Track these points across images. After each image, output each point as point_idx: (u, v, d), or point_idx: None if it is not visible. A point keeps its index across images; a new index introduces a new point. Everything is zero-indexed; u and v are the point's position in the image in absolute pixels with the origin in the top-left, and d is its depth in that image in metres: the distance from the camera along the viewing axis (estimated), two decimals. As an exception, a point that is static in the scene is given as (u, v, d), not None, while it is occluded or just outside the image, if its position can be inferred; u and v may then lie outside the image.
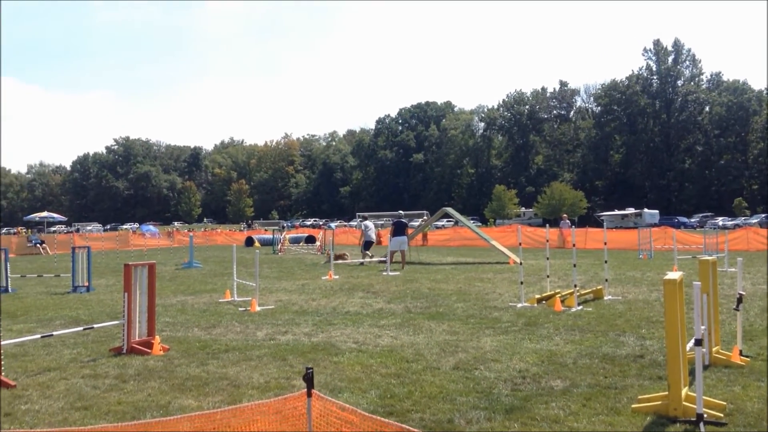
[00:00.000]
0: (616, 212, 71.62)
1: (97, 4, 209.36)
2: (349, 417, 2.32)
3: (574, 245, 11.78)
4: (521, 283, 11.67)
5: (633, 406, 5.34)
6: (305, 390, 2.47)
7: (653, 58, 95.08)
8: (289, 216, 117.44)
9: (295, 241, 36.28)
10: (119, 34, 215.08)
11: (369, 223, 24.44)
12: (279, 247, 31.43)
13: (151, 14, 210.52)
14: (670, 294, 5.28)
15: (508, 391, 5.91)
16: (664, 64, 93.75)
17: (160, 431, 2.56)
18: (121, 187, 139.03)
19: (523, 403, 5.54)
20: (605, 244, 12.93)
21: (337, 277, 16.90)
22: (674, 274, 5.48)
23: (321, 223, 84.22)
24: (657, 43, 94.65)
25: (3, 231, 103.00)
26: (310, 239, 36.82)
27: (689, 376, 5.81)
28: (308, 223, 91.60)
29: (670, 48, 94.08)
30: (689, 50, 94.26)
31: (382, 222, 77.83)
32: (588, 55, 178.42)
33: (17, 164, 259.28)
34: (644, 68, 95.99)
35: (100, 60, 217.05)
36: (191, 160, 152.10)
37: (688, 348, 5.73)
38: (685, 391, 5.25)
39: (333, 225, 64.52)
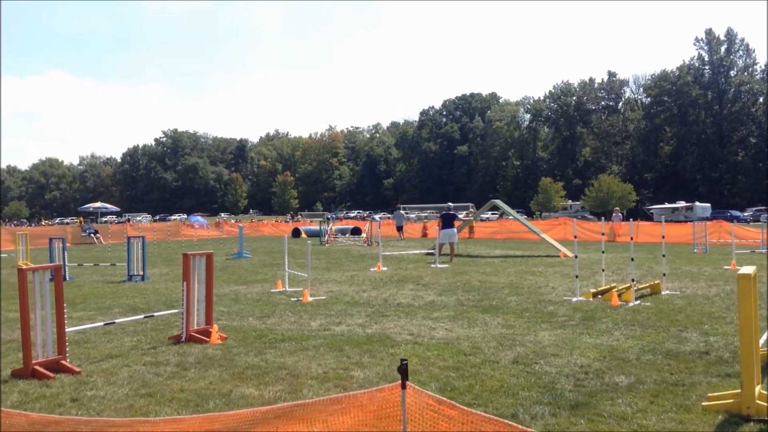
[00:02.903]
0: (667, 205, 69.91)
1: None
2: (447, 411, 2.26)
3: (632, 239, 11.50)
4: (576, 276, 11.47)
5: (703, 404, 5.18)
6: (399, 382, 2.42)
7: (705, 47, 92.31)
8: (333, 208, 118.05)
9: (341, 232, 36.43)
10: (168, 28, 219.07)
11: (401, 212, 34.03)
12: (326, 238, 31.59)
13: (199, 7, 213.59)
14: (745, 289, 5.08)
15: (572, 386, 5.79)
16: (716, 54, 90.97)
17: (252, 419, 2.55)
18: (169, 179, 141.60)
19: (588, 399, 5.42)
20: (663, 237, 12.58)
21: (385, 268, 16.89)
22: (748, 269, 5.28)
23: (365, 215, 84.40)
24: (709, 32, 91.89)
25: (56, 221, 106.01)
26: (356, 231, 36.91)
27: (762, 374, 5.61)
28: (352, 215, 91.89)
29: (722, 37, 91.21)
30: (743, 40, 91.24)
31: (426, 214, 77.80)
32: (637, 44, 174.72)
33: (70, 156, 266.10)
34: (696, 58, 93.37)
35: (149, 53, 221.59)
36: (237, 152, 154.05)
37: (761, 344, 5.53)
38: (758, 389, 5.07)
39: (377, 217, 64.64)
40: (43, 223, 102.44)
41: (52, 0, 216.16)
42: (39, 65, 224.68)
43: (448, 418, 2.25)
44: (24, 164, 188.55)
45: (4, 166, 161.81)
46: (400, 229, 35.35)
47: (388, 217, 71.81)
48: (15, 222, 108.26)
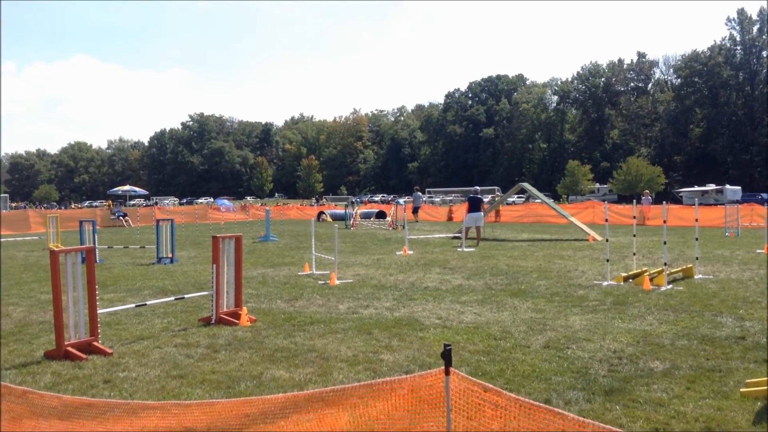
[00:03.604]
0: (696, 188, 68.78)
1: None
2: (493, 398, 2.20)
3: (664, 222, 11.30)
4: (607, 260, 11.30)
5: (741, 390, 5.06)
6: (443, 368, 2.36)
7: (737, 27, 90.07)
8: (357, 191, 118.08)
9: (366, 216, 36.42)
10: (194, 12, 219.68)
11: (419, 194, 34.85)
12: (351, 221, 31.61)
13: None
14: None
15: (605, 371, 5.70)
16: (748, 34, 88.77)
17: (291, 403, 2.51)
18: (195, 162, 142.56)
19: (623, 384, 5.33)
20: (696, 221, 12.35)
21: (411, 252, 16.83)
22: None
23: (389, 198, 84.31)
24: (741, 12, 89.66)
25: (86, 204, 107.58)
26: (381, 214, 36.88)
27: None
28: (376, 198, 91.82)
29: (755, 17, 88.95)
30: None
31: (451, 198, 77.43)
32: (668, 25, 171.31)
33: (98, 140, 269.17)
34: (727, 38, 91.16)
35: (175, 38, 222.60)
36: (263, 136, 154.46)
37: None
38: (799, 376, 4.94)
39: (401, 201, 64.53)
40: (72, 206, 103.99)
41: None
42: (66, 50, 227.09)
43: (495, 405, 2.19)
44: (53, 148, 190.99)
45: (33, 150, 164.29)
46: (416, 211, 35.22)
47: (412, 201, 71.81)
48: (45, 205, 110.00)
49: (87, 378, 5.78)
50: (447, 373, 2.30)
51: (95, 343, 6.65)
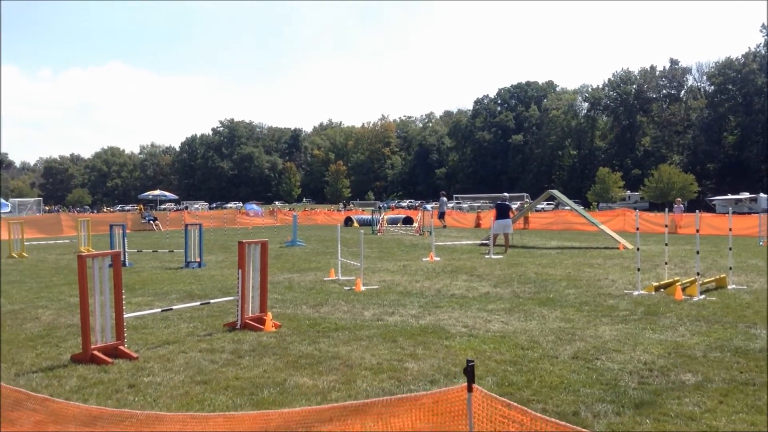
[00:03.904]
0: (729, 197, 67.50)
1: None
2: (517, 416, 2.12)
3: (697, 231, 11.05)
4: (638, 269, 11.09)
5: (778, 406, 4.89)
6: (465, 384, 2.28)
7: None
8: (385, 197, 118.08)
9: (393, 222, 36.36)
10: (225, 19, 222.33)
11: (444, 199, 34.50)
12: (378, 227, 31.57)
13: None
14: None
15: (635, 384, 5.55)
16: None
17: (312, 416, 2.46)
18: (225, 168, 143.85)
19: (654, 397, 5.19)
20: (730, 230, 12.07)
21: (438, 258, 16.72)
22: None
23: (416, 204, 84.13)
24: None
25: (118, 208, 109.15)
26: (408, 220, 36.78)
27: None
28: (404, 204, 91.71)
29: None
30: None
31: (479, 204, 77.03)
32: (701, 31, 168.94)
33: (131, 145, 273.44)
34: (762, 45, 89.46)
35: (207, 45, 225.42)
36: (291, 142, 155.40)
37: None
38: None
39: (429, 207, 64.34)
40: (104, 210, 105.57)
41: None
42: (101, 57, 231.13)
43: (519, 424, 2.10)
44: (87, 153, 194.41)
45: (67, 154, 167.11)
46: (442, 216, 34.79)
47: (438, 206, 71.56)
48: (78, 209, 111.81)
49: (112, 382, 5.80)
50: (470, 389, 2.22)
51: (121, 347, 6.67)
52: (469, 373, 2.27)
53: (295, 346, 7.05)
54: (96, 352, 6.44)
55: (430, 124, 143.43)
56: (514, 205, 29.03)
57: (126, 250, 16.41)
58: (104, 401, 5.28)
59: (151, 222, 37.42)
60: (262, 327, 7.82)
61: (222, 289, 11.40)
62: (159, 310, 8.42)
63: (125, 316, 6.94)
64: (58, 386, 5.71)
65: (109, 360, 6.40)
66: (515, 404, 2.25)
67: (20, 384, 5.78)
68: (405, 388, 5.51)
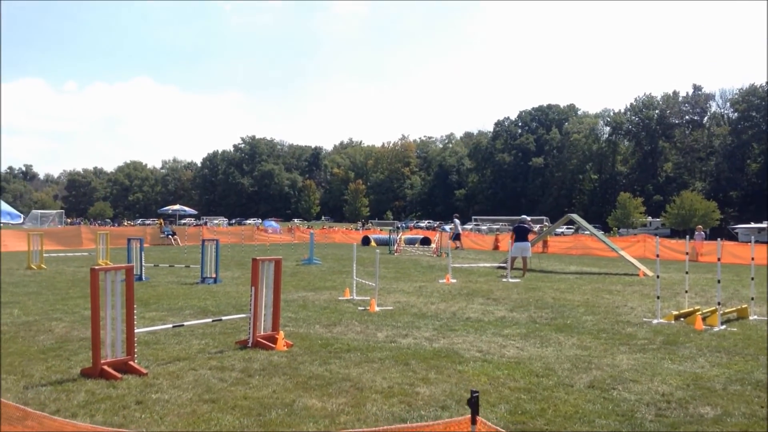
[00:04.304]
0: (753, 225, 66.55)
1: (229, 6, 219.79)
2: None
3: (719, 259, 10.83)
4: (658, 297, 10.88)
5: (801, 445, 4.72)
6: (468, 416, 2.19)
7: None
8: (404, 217, 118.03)
9: (410, 242, 36.24)
10: (249, 38, 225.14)
11: (458, 221, 34.69)
12: (395, 247, 31.47)
13: (278, 18, 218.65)
14: None
15: (652, 416, 5.39)
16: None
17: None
18: (246, 184, 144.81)
19: (671, 430, 5.03)
20: (753, 259, 11.83)
21: (454, 281, 16.58)
22: None
23: (435, 225, 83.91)
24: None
25: (138, 222, 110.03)
26: (425, 241, 36.65)
27: None
28: (422, 224, 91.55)
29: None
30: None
31: (498, 226, 76.61)
32: (724, 57, 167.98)
33: (153, 160, 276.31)
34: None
35: (231, 62, 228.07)
36: (312, 160, 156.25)
37: None
38: None
39: (447, 228, 64.14)
40: (125, 223, 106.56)
41: (142, 2, 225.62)
42: (127, 72, 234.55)
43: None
44: (110, 166, 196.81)
45: (91, 167, 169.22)
46: (457, 237, 34.26)
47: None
48: (99, 222, 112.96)
49: (120, 398, 5.74)
50: (473, 422, 2.12)
51: (131, 363, 6.63)
52: (473, 404, 2.17)
53: (305, 366, 6.96)
54: (105, 367, 6.40)
55: (450, 145, 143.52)
56: (536, 227, 28.68)
57: (143, 264, 16.45)
58: (111, 417, 5.23)
59: (170, 236, 37.64)
60: (273, 346, 7.75)
61: (236, 306, 11.35)
62: (171, 325, 8.38)
63: (136, 331, 6.91)
64: (65, 401, 5.67)
65: (119, 375, 6.36)
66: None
67: (28, 397, 5.76)
68: (415, 413, 5.40)
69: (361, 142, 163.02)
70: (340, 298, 12.88)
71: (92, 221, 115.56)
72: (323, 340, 8.39)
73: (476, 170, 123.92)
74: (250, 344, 7.83)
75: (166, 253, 28.35)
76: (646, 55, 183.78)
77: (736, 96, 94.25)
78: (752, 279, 11.55)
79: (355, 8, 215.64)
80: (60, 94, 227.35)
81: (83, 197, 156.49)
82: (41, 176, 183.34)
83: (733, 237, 61.45)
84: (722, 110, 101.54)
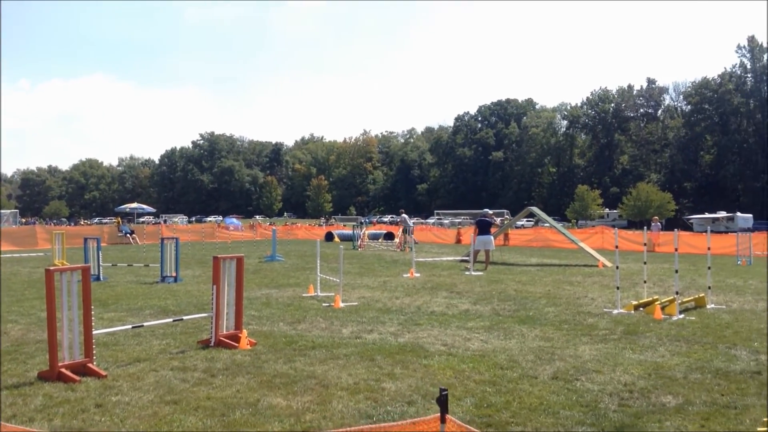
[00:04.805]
0: (707, 215, 68.26)
1: (185, 3, 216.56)
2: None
3: (676, 250, 11.05)
4: (617, 288, 11.06)
5: (759, 429, 4.81)
6: (438, 414, 2.16)
7: (747, 55, 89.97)
8: (366, 212, 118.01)
9: (374, 237, 36.23)
10: (206, 33, 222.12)
11: (405, 216, 33.02)
12: (359, 242, 31.43)
13: (236, 13, 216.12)
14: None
15: (615, 406, 5.46)
16: (759, 61, 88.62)
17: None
18: (205, 181, 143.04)
19: (634, 420, 5.10)
20: (708, 249, 12.10)
21: (418, 275, 16.62)
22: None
23: (398, 219, 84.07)
24: (751, 39, 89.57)
25: (95, 221, 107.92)
26: (389, 236, 36.68)
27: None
28: (385, 219, 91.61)
29: (765, 45, 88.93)
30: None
31: (460, 220, 77.05)
32: (678, 51, 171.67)
33: (109, 157, 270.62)
34: (737, 66, 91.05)
35: (189, 58, 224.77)
36: (273, 156, 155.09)
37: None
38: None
39: (411, 222, 64.33)
40: (82, 222, 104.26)
41: (97, 1, 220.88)
42: (82, 68, 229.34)
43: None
44: (65, 165, 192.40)
45: (45, 166, 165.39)
46: (406, 232, 33.05)
47: (422, 223, 71.48)
48: (55, 221, 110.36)
49: (79, 401, 5.59)
50: (443, 420, 2.09)
51: (90, 365, 6.46)
52: (443, 402, 2.14)
53: (270, 364, 6.88)
54: (63, 370, 6.23)
55: (412, 140, 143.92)
56: (497, 219, 28.75)
57: (100, 263, 16.09)
58: (69, 421, 5.09)
59: (128, 235, 36.93)
60: (236, 345, 7.64)
61: (197, 305, 11.18)
62: (130, 326, 8.21)
63: (95, 332, 6.74)
64: (22, 405, 5.50)
65: (77, 378, 6.19)
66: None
67: (-18, 403, 5.57)
68: (382, 409, 5.37)
69: (322, 137, 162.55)
70: (304, 294, 12.79)
71: (47, 221, 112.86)
72: (287, 338, 8.31)
73: (437, 165, 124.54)
74: (212, 343, 7.70)
75: (125, 252, 27.82)
76: (602, 49, 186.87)
77: (689, 89, 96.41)
78: (709, 268, 11.82)
79: (312, 5, 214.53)
80: (13, 91, 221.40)
81: (38, 196, 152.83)
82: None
83: (688, 227, 62.95)
84: (676, 103, 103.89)
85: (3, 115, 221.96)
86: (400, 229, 33.85)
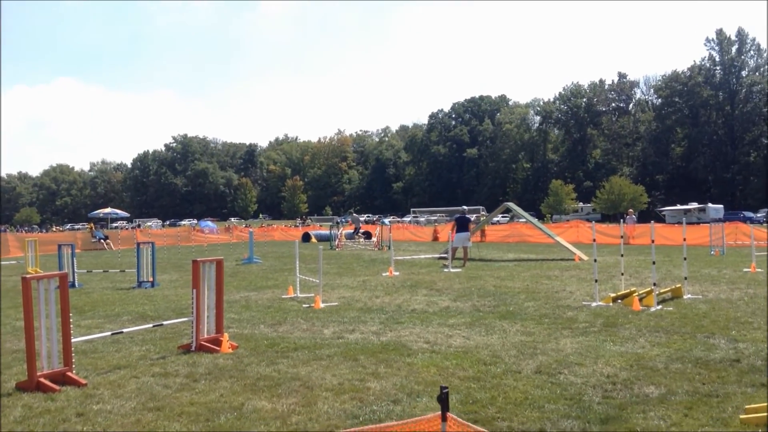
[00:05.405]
0: (679, 207, 69.26)
1: (156, 7, 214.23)
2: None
3: (653, 241, 11.18)
4: (595, 281, 11.16)
5: (741, 416, 4.88)
6: (439, 413, 2.15)
7: (716, 48, 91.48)
8: (343, 212, 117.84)
9: (350, 237, 36.17)
10: (177, 36, 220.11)
11: (356, 215, 36.00)
12: (336, 242, 31.36)
13: (207, 16, 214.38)
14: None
15: (599, 398, 5.50)
16: (727, 54, 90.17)
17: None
18: (179, 184, 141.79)
19: (619, 412, 5.14)
20: (684, 240, 12.27)
21: (397, 273, 16.62)
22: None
23: (374, 219, 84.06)
24: (720, 32, 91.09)
25: (67, 227, 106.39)
26: (366, 235, 36.66)
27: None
28: (361, 219, 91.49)
29: (733, 37, 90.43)
30: (754, 39, 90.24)
31: (436, 218, 77.28)
32: (648, 45, 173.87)
33: (80, 162, 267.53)
34: (707, 59, 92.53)
35: (159, 60, 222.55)
36: (247, 157, 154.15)
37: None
38: (800, 401, 4.78)
39: (387, 221, 64.34)
40: (54, 229, 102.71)
41: (61, 3, 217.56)
42: (48, 73, 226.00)
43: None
44: (35, 171, 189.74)
45: (15, 172, 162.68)
46: (357, 232, 35.99)
47: (398, 221, 71.57)
48: (26, 228, 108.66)
49: (59, 411, 5.50)
50: (444, 419, 2.09)
51: (69, 374, 6.36)
52: (443, 401, 2.13)
53: (252, 367, 6.83)
54: (42, 380, 6.12)
55: (387, 139, 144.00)
56: (473, 216, 28.86)
57: (75, 270, 15.86)
58: (50, 432, 5.00)
59: (102, 241, 36.45)
60: (218, 348, 7.57)
61: (176, 310, 11.07)
62: (109, 333, 8.08)
63: (73, 340, 6.63)
64: (1, 416, 5.39)
65: (57, 387, 6.09)
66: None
67: (-41, 416, 5.45)
68: (367, 409, 5.35)
69: (296, 137, 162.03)
70: (283, 296, 12.72)
71: (18, 228, 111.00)
72: (269, 340, 8.26)
73: (413, 163, 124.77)
74: (193, 348, 7.63)
75: (99, 258, 27.47)
76: (573, 44, 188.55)
77: (660, 82, 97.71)
78: (685, 259, 11.98)
79: (282, 8, 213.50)
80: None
81: (8, 203, 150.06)
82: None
83: (660, 219, 63.79)
84: (647, 96, 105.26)
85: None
86: (377, 228, 33.87)
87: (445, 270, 17.25)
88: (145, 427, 5.06)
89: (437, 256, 22.18)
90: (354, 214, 36.86)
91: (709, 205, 67.06)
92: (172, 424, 5.10)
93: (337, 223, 48.85)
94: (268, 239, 44.22)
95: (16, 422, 5.26)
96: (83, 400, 5.79)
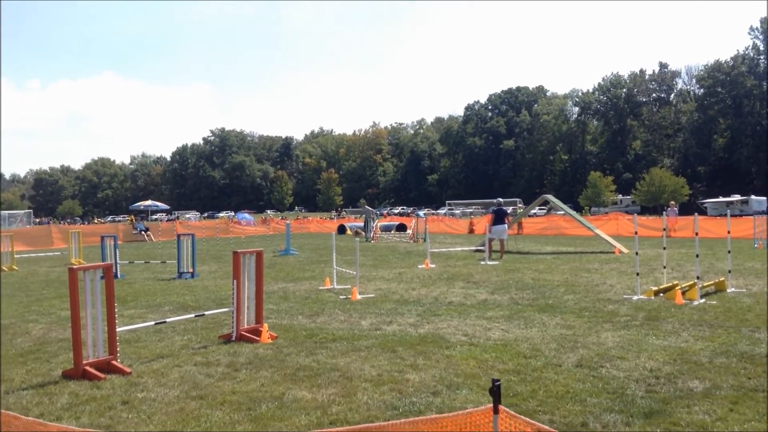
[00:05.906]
0: (721, 199, 67.68)
1: (194, 1, 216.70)
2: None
3: (696, 234, 10.95)
4: (637, 274, 10.98)
5: (790, 413, 4.77)
6: (490, 405, 2.14)
7: (760, 37, 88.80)
8: (377, 204, 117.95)
9: (386, 229, 36.21)
10: (216, 29, 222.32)
11: (369, 208, 34.86)
12: (372, 235, 31.42)
13: (244, 8, 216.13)
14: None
15: (643, 392, 5.42)
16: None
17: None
18: (217, 177, 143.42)
19: (662, 406, 5.06)
20: (729, 233, 11.97)
21: (433, 265, 16.59)
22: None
23: (409, 211, 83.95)
24: (764, 21, 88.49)
25: (109, 219, 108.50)
26: (401, 227, 36.65)
27: None
28: (396, 211, 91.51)
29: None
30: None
31: (471, 210, 76.89)
32: (690, 35, 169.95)
33: (121, 155, 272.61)
34: (750, 48, 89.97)
35: (198, 54, 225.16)
36: (283, 150, 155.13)
37: None
38: None
39: (421, 213, 64.17)
40: (95, 221, 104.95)
41: (104, 2, 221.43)
42: (91, 67, 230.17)
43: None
44: (77, 164, 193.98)
45: (57, 165, 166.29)
46: (367, 227, 33.36)
47: (433, 214, 71.38)
48: (68, 220, 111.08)
49: (105, 399, 5.62)
50: (496, 411, 2.06)
51: (114, 362, 6.50)
52: (495, 393, 2.11)
53: (292, 357, 6.89)
54: (88, 368, 6.26)
55: (422, 131, 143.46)
56: (508, 210, 28.57)
57: (117, 261, 16.18)
58: (97, 419, 5.11)
59: (143, 232, 37.12)
60: (258, 339, 7.65)
61: (216, 300, 11.22)
62: (152, 323, 8.23)
63: (118, 329, 6.76)
64: (48, 404, 5.53)
65: (102, 375, 6.23)
66: (545, 427, 2.11)
67: (10, 402, 5.61)
68: (407, 401, 5.36)
69: (332, 130, 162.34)
70: (320, 287, 12.80)
71: (61, 220, 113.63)
72: (308, 331, 8.32)
73: (448, 155, 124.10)
74: (234, 338, 7.72)
75: (140, 250, 27.97)
76: (613, 34, 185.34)
77: (702, 72, 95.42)
78: (729, 252, 11.71)
79: (320, 1, 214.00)
80: (23, 92, 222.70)
81: (51, 196, 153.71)
82: (7, 176, 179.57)
83: (702, 212, 62.44)
84: (688, 87, 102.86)
85: (13, 116, 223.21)
86: (413, 221, 33.81)
87: (482, 263, 17.16)
88: (188, 415, 5.14)
89: (473, 248, 22.08)
90: (366, 206, 33.46)
91: (752, 197, 65.40)
92: (215, 412, 5.17)
93: (375, 214, 48.92)
94: (304, 231, 44.51)
95: (63, 409, 5.38)
96: (128, 389, 5.91)
